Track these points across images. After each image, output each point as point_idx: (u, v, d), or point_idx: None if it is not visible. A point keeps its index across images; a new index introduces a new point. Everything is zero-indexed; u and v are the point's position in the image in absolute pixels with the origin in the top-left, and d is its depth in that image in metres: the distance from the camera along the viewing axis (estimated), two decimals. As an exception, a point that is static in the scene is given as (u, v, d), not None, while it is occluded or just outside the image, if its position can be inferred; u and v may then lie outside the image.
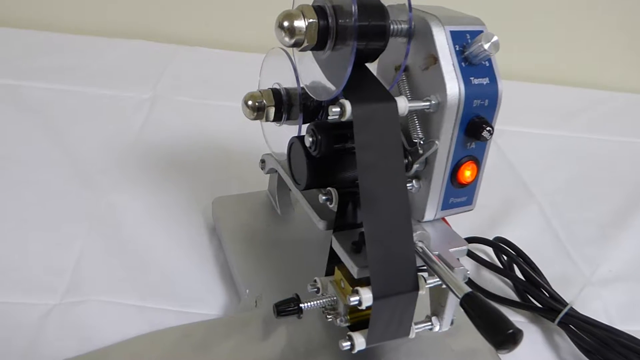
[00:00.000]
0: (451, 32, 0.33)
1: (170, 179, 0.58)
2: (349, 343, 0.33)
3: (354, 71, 0.31)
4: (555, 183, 0.67)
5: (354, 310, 0.35)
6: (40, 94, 0.70)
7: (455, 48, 0.32)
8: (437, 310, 0.35)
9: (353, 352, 0.33)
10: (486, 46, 0.32)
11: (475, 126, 0.33)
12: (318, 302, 0.36)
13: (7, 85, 0.70)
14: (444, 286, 0.33)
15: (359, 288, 0.32)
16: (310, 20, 0.31)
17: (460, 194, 0.36)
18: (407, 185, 0.35)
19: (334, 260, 0.37)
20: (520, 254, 0.50)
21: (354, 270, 0.33)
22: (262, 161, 0.49)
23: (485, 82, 0.33)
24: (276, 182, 0.50)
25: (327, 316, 0.36)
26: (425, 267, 0.33)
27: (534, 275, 0.47)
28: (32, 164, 0.58)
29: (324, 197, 0.36)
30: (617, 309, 0.50)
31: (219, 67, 0.82)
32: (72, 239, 0.49)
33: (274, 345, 0.39)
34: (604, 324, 0.43)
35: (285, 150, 0.41)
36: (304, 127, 0.40)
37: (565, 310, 0.44)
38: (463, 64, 0.33)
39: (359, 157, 0.30)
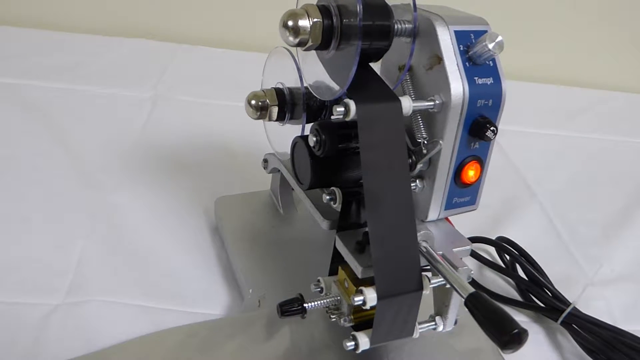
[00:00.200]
0: (455, 31, 0.33)
1: (172, 179, 0.58)
2: (353, 343, 0.33)
3: (358, 71, 0.31)
4: (557, 183, 0.67)
5: (357, 310, 0.35)
6: (41, 93, 0.69)
7: (459, 48, 0.32)
8: (440, 310, 0.35)
9: (357, 352, 0.33)
10: (490, 46, 0.32)
11: (479, 126, 0.33)
12: (322, 302, 0.36)
13: (7, 85, 0.70)
14: (448, 286, 0.33)
15: (363, 288, 0.32)
16: (315, 19, 0.31)
17: (463, 193, 0.36)
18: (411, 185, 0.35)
19: (337, 260, 0.36)
20: (523, 253, 0.50)
21: (358, 270, 0.33)
22: (265, 161, 0.49)
23: (489, 82, 0.33)
24: (279, 181, 0.50)
25: (331, 316, 0.36)
26: (428, 267, 0.33)
27: (537, 275, 0.47)
28: (32, 163, 0.58)
29: (327, 197, 0.36)
30: (620, 309, 0.50)
31: (220, 66, 0.82)
32: (74, 238, 0.49)
33: (278, 345, 0.39)
34: (607, 324, 0.43)
35: (288, 150, 0.41)
36: (307, 126, 0.40)
37: (569, 309, 0.44)
38: (467, 63, 0.33)
39: (363, 157, 0.30)
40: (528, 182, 0.66)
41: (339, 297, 0.36)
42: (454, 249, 0.35)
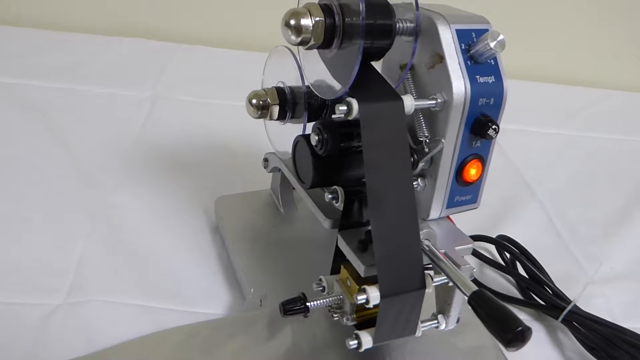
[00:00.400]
0: (457, 30, 0.33)
1: (172, 178, 0.58)
2: (355, 342, 0.33)
3: (360, 69, 0.31)
4: (557, 181, 0.67)
5: (360, 308, 0.35)
6: (40, 92, 0.69)
7: (461, 46, 0.33)
8: (443, 308, 0.35)
9: (360, 350, 0.33)
10: (492, 44, 0.32)
11: (481, 124, 0.33)
12: (324, 300, 0.36)
13: (7, 84, 0.70)
14: (450, 284, 0.33)
15: (366, 287, 0.32)
16: (317, 18, 0.31)
17: (465, 192, 0.36)
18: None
19: (339, 259, 0.37)
20: (523, 251, 0.50)
21: (361, 269, 0.33)
22: (265, 160, 0.49)
23: (490, 81, 0.33)
24: (279, 180, 0.50)
25: (334, 315, 0.36)
26: (430, 265, 0.34)
27: (538, 273, 0.47)
28: (32, 163, 0.57)
29: (330, 196, 0.36)
30: (619, 307, 0.50)
31: (220, 66, 0.82)
32: (74, 238, 0.49)
33: (279, 345, 0.39)
34: (607, 321, 0.43)
35: (288, 149, 0.41)
36: (309, 125, 0.40)
37: (570, 307, 0.44)
38: (469, 62, 0.33)
39: (366, 156, 0.30)
40: (528, 180, 0.66)
41: (341, 296, 0.36)
42: (456, 247, 0.35)
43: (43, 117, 0.65)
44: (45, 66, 0.74)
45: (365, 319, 0.36)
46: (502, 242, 0.51)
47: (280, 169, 0.47)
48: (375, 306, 0.32)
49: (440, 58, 0.32)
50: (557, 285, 0.47)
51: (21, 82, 0.71)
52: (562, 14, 0.91)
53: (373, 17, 0.30)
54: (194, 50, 0.85)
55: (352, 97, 0.31)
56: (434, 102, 0.33)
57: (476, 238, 0.52)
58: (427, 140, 0.34)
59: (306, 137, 0.37)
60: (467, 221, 0.39)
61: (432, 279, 0.33)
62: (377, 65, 0.34)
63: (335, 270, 0.38)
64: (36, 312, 0.42)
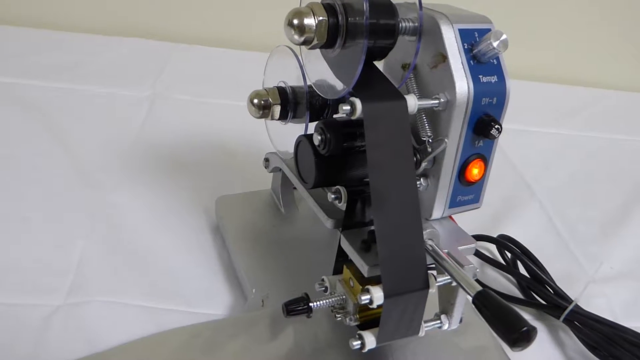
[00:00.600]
0: (460, 30, 0.33)
1: (172, 178, 0.58)
2: (359, 342, 0.33)
3: (363, 69, 0.31)
4: (556, 181, 0.67)
5: (363, 309, 0.35)
6: (39, 92, 0.69)
7: (464, 46, 0.32)
8: (446, 308, 0.35)
9: (363, 350, 0.33)
10: (495, 44, 0.32)
11: (484, 124, 0.33)
12: (327, 301, 0.36)
13: (7, 84, 0.70)
14: (454, 284, 0.33)
15: (369, 287, 0.31)
16: (320, 17, 0.30)
17: (467, 192, 0.36)
18: (415, 183, 0.35)
19: (341, 259, 0.36)
20: (524, 251, 0.50)
21: (365, 269, 0.33)
22: (266, 160, 0.49)
23: (493, 80, 0.33)
24: (279, 180, 0.50)
25: (336, 315, 0.36)
26: (433, 265, 0.33)
27: (539, 273, 0.47)
28: (32, 163, 0.57)
29: (332, 196, 0.36)
30: (620, 306, 0.50)
31: (218, 66, 0.82)
32: (74, 238, 0.49)
33: (281, 346, 0.39)
34: (609, 321, 0.43)
35: (289, 149, 0.41)
36: (311, 125, 0.40)
37: (571, 307, 0.44)
38: (472, 62, 0.33)
39: (369, 156, 0.30)
40: (528, 180, 0.66)
41: (344, 296, 0.36)
42: (459, 247, 0.35)
43: (42, 116, 0.64)
44: (44, 66, 0.74)
45: (368, 319, 0.35)
46: (503, 242, 0.51)
47: (281, 169, 0.47)
48: (378, 306, 0.32)
49: (443, 58, 0.32)
50: (557, 284, 0.47)
51: (21, 81, 0.70)
52: (563, 14, 0.91)
53: (376, 16, 0.30)
54: (193, 50, 0.85)
55: (356, 97, 0.31)
56: (437, 101, 0.33)
57: (477, 238, 0.52)
58: (430, 140, 0.34)
59: (308, 137, 0.37)
60: (468, 221, 0.39)
61: (436, 279, 0.33)
62: (379, 65, 0.34)
63: (337, 271, 0.37)
64: (36, 313, 0.42)
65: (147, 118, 0.68)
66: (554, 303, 0.46)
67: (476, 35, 0.33)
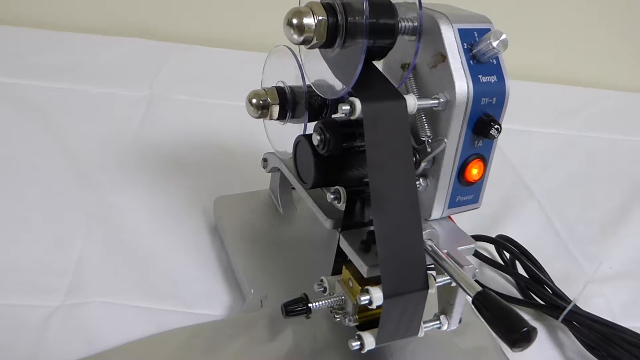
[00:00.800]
0: (459, 30, 0.33)
1: (171, 178, 0.58)
2: (358, 343, 0.33)
3: (362, 69, 0.31)
4: (555, 181, 0.67)
5: (362, 309, 0.35)
6: (39, 92, 0.69)
7: (463, 46, 0.32)
8: (445, 308, 0.35)
9: (363, 351, 0.33)
10: (495, 44, 0.32)
11: (484, 124, 0.33)
12: (326, 301, 0.36)
13: (6, 84, 0.70)
14: (453, 284, 0.33)
15: (369, 287, 0.31)
16: (320, 17, 0.30)
17: (467, 192, 0.36)
18: (415, 183, 0.35)
19: (340, 259, 0.36)
20: (523, 251, 0.50)
21: (364, 270, 0.33)
22: (264, 160, 0.49)
23: (493, 80, 0.33)
24: (278, 180, 0.50)
25: (336, 316, 0.36)
26: (432, 266, 0.33)
27: (537, 273, 0.47)
28: (31, 163, 0.57)
29: (332, 196, 0.36)
30: (619, 306, 0.50)
31: (217, 66, 0.82)
32: (73, 238, 0.49)
33: (280, 346, 0.39)
34: (608, 321, 0.43)
35: (288, 149, 0.41)
36: (309, 125, 0.40)
37: (570, 307, 0.44)
38: (471, 62, 0.33)
39: (369, 156, 0.30)
40: (526, 180, 0.66)
41: (343, 297, 0.36)
42: (459, 248, 0.35)
43: (42, 116, 0.64)
44: (44, 66, 0.74)
45: (368, 319, 0.35)
46: (502, 242, 0.51)
47: (279, 169, 0.47)
48: (378, 307, 0.32)
49: (443, 57, 0.32)
50: (556, 284, 0.47)
51: (20, 82, 0.70)
52: (562, 14, 0.91)
53: (376, 16, 0.30)
54: (192, 50, 0.85)
55: (355, 97, 0.30)
56: (436, 101, 0.33)
57: (476, 238, 0.51)
58: (430, 140, 0.34)
59: (307, 137, 0.37)
60: (466, 221, 0.39)
61: (435, 280, 0.33)
62: (378, 64, 0.34)
63: (336, 271, 0.37)
64: (36, 313, 0.42)
65: (147, 118, 0.68)
66: (553, 303, 0.45)
67: (476, 35, 0.33)
